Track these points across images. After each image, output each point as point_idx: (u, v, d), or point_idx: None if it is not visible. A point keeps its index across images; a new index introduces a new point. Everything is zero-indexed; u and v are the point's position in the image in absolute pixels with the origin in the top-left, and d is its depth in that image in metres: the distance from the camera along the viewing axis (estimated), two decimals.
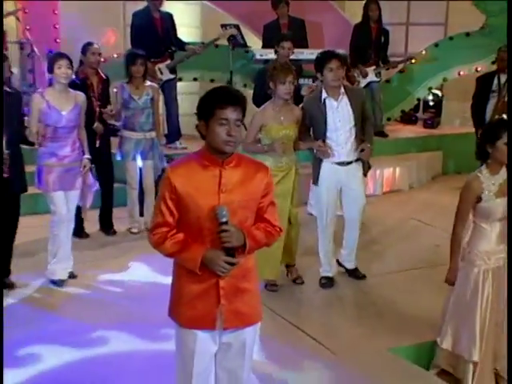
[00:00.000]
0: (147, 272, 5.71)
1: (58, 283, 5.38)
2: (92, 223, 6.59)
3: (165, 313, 3.03)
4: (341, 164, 5.26)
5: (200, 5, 10.03)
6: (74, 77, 5.70)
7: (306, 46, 8.43)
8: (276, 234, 2.98)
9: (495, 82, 7.88)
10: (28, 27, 8.54)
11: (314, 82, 7.29)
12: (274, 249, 4.35)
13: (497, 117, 7.43)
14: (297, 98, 6.26)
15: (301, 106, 5.51)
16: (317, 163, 5.33)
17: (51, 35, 8.75)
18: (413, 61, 9.52)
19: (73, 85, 5.55)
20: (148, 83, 6.62)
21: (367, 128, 5.35)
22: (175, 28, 8.18)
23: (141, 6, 8.05)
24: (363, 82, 9.00)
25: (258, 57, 8.60)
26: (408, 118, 10.40)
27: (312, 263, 5.58)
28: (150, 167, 6.68)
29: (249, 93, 8.48)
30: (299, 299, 5.31)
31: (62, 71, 5.18)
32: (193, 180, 2.80)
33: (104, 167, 6.46)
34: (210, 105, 2.78)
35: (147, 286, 5.42)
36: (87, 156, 5.46)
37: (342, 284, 5.55)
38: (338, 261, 5.62)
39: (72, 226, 5.53)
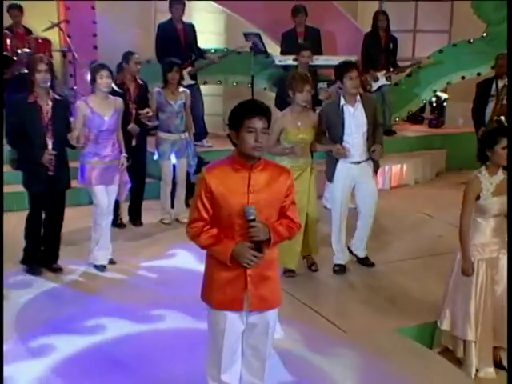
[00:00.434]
0: (178, 259, 5.78)
1: (100, 268, 5.45)
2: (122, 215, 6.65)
3: (197, 296, 3.12)
4: (354, 163, 5.33)
5: (224, 14, 10.13)
6: (113, 86, 5.70)
7: (320, 53, 8.46)
8: (296, 229, 3.10)
9: (493, 86, 7.86)
10: (70, 36, 8.66)
11: (328, 86, 7.37)
12: (294, 241, 4.51)
13: (495, 118, 7.56)
14: (315, 101, 6.38)
15: (318, 111, 5.59)
16: (332, 162, 5.38)
17: (90, 43, 8.85)
18: (420, 65, 9.53)
19: (111, 90, 5.58)
20: (181, 89, 6.63)
21: (378, 132, 5.42)
22: (196, 38, 8.25)
23: (169, 16, 8.16)
24: (375, 86, 9.00)
25: (277, 62, 8.65)
26: (414, 118, 10.30)
27: (326, 252, 5.61)
28: (183, 164, 6.74)
29: (268, 95, 8.67)
30: (315, 285, 5.37)
31: (104, 81, 5.27)
32: (225, 181, 2.91)
33: (138, 164, 6.45)
34: (239, 116, 2.91)
35: (180, 272, 5.46)
36: (124, 154, 5.53)
37: (354, 271, 5.59)
38: (349, 249, 5.67)
39: (111, 217, 5.60)
